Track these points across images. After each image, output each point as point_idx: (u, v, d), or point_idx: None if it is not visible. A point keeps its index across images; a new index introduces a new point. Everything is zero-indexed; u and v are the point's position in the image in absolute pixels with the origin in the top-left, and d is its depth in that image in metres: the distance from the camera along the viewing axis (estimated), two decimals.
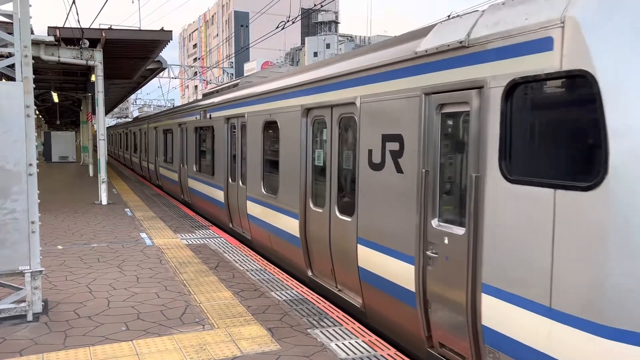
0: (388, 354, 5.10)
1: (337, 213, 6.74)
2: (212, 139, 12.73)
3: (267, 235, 9.20)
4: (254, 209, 9.81)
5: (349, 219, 6.43)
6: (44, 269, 6.27)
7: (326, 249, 7.05)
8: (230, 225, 11.61)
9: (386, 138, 5.53)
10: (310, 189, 7.65)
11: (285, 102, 8.32)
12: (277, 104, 8.63)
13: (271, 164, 9.11)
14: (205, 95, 15.19)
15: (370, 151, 5.84)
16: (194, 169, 14.69)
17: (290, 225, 8.10)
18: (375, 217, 5.78)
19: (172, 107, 19.80)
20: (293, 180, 7.98)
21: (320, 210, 7.20)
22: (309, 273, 7.71)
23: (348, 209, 6.54)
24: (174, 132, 17.47)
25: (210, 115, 12.83)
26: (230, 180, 11.46)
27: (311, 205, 7.54)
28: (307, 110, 7.59)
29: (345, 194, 6.69)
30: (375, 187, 5.75)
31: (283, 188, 8.40)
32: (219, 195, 12.10)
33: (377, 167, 5.72)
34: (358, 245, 6.13)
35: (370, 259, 5.92)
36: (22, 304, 6.05)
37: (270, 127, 9.06)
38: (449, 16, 5.79)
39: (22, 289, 6.10)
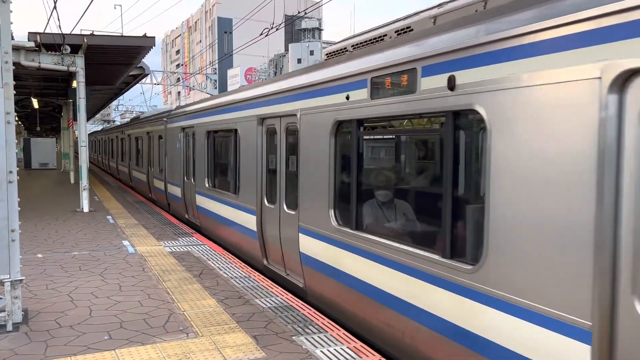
0: None
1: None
2: (436, 150, 5.16)
3: None
4: None
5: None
6: (24, 277, 6.17)
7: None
8: None
9: None
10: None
11: None
12: None
13: None
14: (333, 54, 7.78)
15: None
16: (335, 221, 6.41)
17: None
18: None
19: (227, 91, 11.94)
20: None
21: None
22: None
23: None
24: (243, 135, 9.58)
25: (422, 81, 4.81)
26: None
27: None
28: None
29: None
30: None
31: None
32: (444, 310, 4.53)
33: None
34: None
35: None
36: (2, 314, 5.94)
37: None
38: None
39: (1, 298, 5.99)
